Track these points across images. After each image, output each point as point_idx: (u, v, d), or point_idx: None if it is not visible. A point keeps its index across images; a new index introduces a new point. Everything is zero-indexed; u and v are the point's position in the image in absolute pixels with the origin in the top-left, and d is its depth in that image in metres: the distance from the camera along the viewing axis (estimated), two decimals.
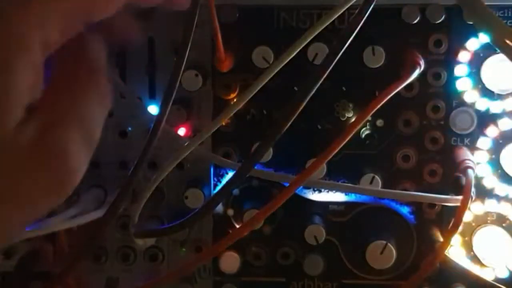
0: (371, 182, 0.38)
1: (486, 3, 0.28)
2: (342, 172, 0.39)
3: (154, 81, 0.39)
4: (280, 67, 0.30)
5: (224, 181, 0.40)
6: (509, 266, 0.38)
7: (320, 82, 0.28)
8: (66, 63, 0.26)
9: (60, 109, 0.25)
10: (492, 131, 0.38)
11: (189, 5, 0.27)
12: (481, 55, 0.37)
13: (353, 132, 0.33)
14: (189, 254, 0.41)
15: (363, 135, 0.39)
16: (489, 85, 0.37)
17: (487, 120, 0.38)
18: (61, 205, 0.39)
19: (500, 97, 0.38)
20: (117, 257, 0.41)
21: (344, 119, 0.39)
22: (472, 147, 0.38)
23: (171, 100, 0.28)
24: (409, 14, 0.37)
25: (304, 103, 0.28)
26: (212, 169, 0.40)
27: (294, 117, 0.28)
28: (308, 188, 0.40)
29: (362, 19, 0.28)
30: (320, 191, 0.40)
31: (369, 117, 0.36)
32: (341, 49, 0.28)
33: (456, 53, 0.37)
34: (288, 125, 0.28)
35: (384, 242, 0.38)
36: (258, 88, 0.30)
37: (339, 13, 0.30)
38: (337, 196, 0.40)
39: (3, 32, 0.23)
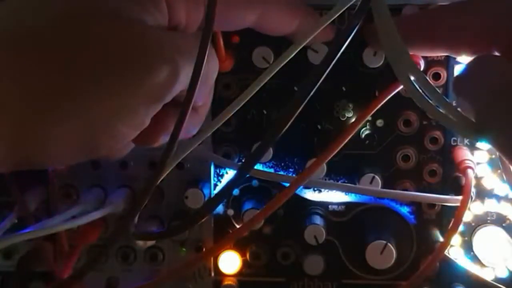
0: (371, 182, 0.38)
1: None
2: (342, 172, 0.39)
3: None
4: (280, 67, 0.30)
5: (224, 181, 0.40)
6: (509, 266, 0.38)
7: (320, 81, 0.28)
8: None
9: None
10: None
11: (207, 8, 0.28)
12: None
13: (353, 132, 0.33)
14: (189, 254, 0.41)
15: (363, 135, 0.39)
16: None
17: None
18: (61, 205, 0.40)
19: None
20: (117, 257, 0.41)
21: (344, 119, 0.39)
22: (472, 147, 0.38)
23: (191, 104, 0.27)
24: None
25: (304, 103, 0.28)
26: (212, 169, 0.40)
27: (294, 117, 0.28)
28: (308, 188, 0.40)
29: (361, 18, 0.28)
30: (320, 191, 0.40)
31: (369, 117, 0.36)
32: (340, 49, 0.28)
33: None
34: (288, 125, 0.28)
35: (384, 242, 0.38)
36: (258, 88, 0.30)
37: (339, 13, 0.30)
38: (337, 196, 0.40)
39: None
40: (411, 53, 0.27)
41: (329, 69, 0.28)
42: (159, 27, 0.28)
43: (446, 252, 0.37)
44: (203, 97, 0.31)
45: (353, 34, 0.29)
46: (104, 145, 0.27)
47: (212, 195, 0.40)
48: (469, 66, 0.28)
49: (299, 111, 0.28)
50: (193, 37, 0.29)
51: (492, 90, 0.25)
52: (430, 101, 0.26)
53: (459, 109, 0.26)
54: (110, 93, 0.26)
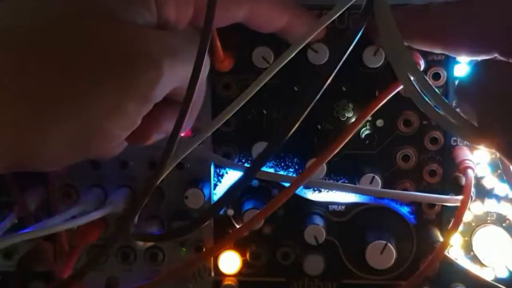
0: (371, 182, 0.38)
1: None
2: (342, 172, 0.39)
3: None
4: (280, 67, 0.30)
5: (224, 181, 0.40)
6: (509, 266, 0.38)
7: (326, 85, 0.28)
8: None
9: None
10: None
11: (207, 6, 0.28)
12: None
13: (353, 132, 0.33)
14: (189, 254, 0.41)
15: (363, 135, 0.39)
16: None
17: None
18: (61, 205, 0.40)
19: None
20: (117, 257, 0.41)
21: (344, 119, 0.39)
22: (472, 147, 0.38)
23: (191, 103, 0.27)
24: None
25: (311, 106, 0.28)
26: (212, 169, 0.40)
27: (300, 121, 0.28)
28: (308, 188, 0.40)
29: (365, 21, 0.28)
30: (320, 191, 0.40)
31: (369, 117, 0.36)
32: (346, 51, 0.28)
33: None
34: (294, 129, 0.28)
35: (384, 242, 0.38)
36: (258, 88, 0.30)
37: (339, 13, 0.30)
38: (337, 196, 0.40)
39: None
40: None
41: (335, 72, 0.28)
42: (148, 26, 0.28)
43: (446, 252, 0.37)
44: (198, 94, 0.31)
45: (358, 37, 0.29)
46: (100, 145, 0.27)
47: (216, 200, 0.40)
48: (471, 70, 0.28)
49: (304, 115, 0.28)
50: (183, 35, 0.30)
51: (493, 93, 0.25)
52: (430, 102, 0.26)
53: (458, 110, 0.26)
54: (110, 93, 0.26)
